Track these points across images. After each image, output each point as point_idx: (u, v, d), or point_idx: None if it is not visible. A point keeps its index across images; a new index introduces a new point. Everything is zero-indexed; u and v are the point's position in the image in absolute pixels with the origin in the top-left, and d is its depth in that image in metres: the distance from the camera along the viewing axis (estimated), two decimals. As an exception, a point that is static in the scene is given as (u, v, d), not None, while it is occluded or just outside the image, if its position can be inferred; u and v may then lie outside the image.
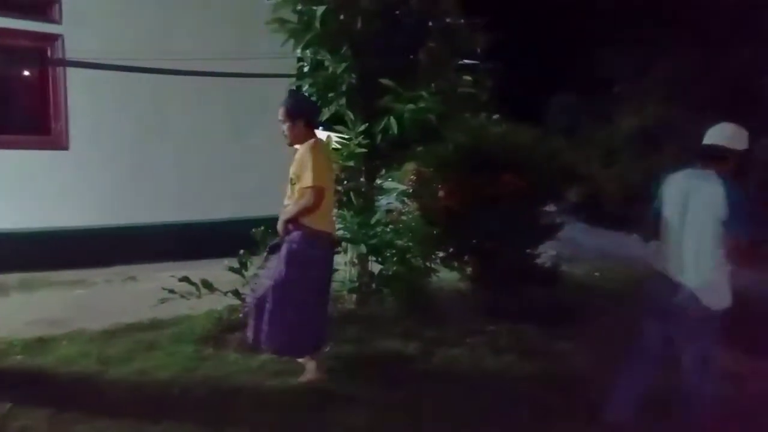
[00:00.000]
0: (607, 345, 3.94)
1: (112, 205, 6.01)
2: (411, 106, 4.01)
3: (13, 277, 5.07)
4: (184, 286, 3.95)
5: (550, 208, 5.63)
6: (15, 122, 5.58)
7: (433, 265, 4.91)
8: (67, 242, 5.64)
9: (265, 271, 3.49)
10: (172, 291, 3.85)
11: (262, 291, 3.40)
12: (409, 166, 5.19)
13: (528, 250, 5.09)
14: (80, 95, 5.80)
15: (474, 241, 4.96)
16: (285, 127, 3.36)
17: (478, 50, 4.72)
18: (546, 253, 5.42)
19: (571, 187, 9.03)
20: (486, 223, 4.64)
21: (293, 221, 3.31)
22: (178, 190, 6.33)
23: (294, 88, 4.65)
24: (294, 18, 4.39)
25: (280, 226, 3.36)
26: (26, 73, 5.80)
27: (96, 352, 3.74)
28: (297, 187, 3.31)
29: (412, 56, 4.41)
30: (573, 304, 5.04)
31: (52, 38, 5.60)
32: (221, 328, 4.18)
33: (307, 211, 3.25)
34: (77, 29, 5.61)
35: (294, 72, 5.71)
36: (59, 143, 5.82)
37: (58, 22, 5.63)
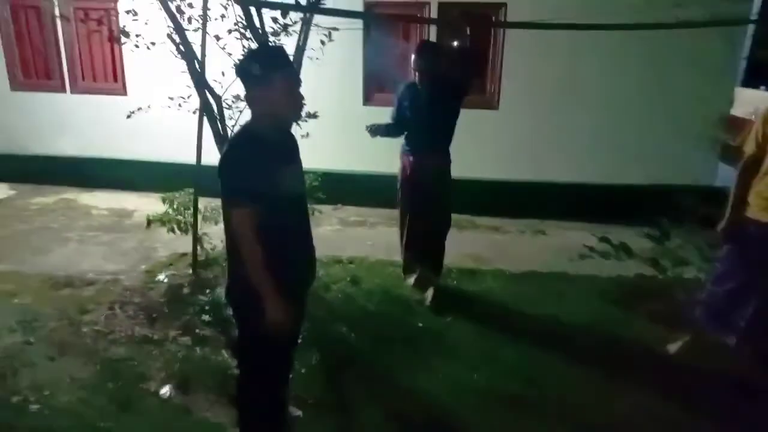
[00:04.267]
0: None
1: (529, 162, 6.48)
2: None
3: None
4: (601, 246, 4.02)
5: None
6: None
7: None
8: (489, 192, 6.40)
9: None
10: (592, 249, 3.97)
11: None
12: None
13: None
14: (512, 60, 6.34)
15: None
16: None
17: None
18: None
19: None
20: None
21: None
22: (591, 152, 6.34)
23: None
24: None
25: None
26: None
27: (514, 291, 4.22)
28: None
29: None
30: None
31: (499, 6, 6.24)
32: (628, 295, 4.12)
33: None
34: (518, -2, 6.08)
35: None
36: (492, 104, 6.56)
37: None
